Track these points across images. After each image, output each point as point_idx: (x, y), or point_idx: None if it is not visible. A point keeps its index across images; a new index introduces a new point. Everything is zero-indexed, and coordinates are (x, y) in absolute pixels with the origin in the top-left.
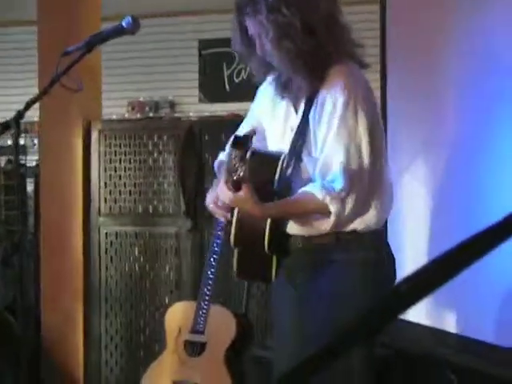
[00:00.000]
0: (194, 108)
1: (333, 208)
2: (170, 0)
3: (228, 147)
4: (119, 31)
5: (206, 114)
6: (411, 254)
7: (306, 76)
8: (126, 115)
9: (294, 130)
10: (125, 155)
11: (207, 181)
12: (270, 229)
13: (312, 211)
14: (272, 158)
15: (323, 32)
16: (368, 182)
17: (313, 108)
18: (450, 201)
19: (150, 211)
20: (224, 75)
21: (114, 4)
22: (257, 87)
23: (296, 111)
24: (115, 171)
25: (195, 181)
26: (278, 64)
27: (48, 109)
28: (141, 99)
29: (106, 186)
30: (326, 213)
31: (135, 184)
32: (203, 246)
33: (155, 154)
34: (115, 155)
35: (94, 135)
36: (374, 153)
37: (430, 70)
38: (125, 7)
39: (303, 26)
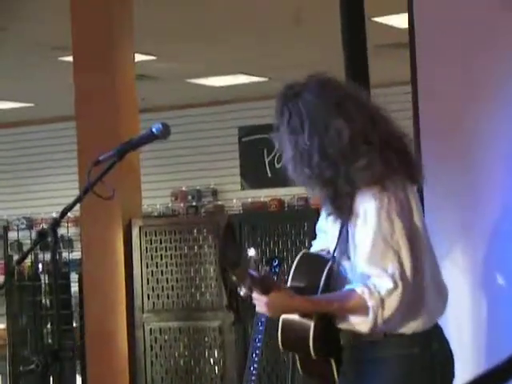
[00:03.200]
0: (237, 195)
1: (370, 303)
2: (208, 90)
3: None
4: (150, 138)
5: (249, 200)
6: (455, 347)
7: (331, 199)
8: (170, 205)
9: (336, 235)
10: (166, 250)
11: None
12: (315, 328)
13: (350, 308)
14: (321, 261)
15: (341, 163)
16: (413, 287)
17: (348, 222)
18: (493, 290)
19: (193, 305)
20: (265, 161)
21: (153, 96)
22: None
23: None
24: (157, 267)
25: (235, 287)
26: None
27: (88, 206)
28: (183, 188)
29: (148, 282)
30: (365, 310)
31: (177, 279)
32: (247, 339)
33: (195, 248)
34: (156, 251)
35: (135, 231)
36: (415, 257)
37: (470, 141)
38: (165, 98)
39: (322, 157)
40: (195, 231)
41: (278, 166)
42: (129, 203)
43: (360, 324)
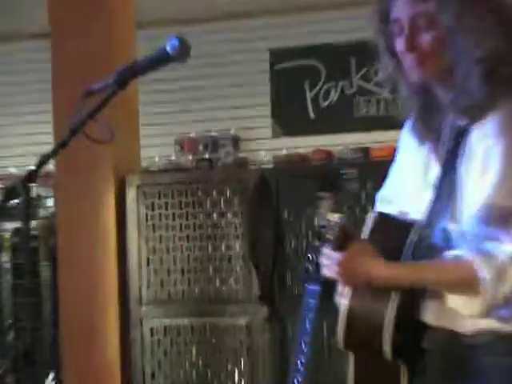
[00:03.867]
0: (267, 145)
1: (483, 273)
2: None
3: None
4: (162, 59)
5: (284, 152)
6: None
7: (482, 89)
8: (173, 158)
9: (435, 186)
10: (173, 219)
11: (288, 252)
12: (398, 315)
13: (453, 280)
14: (401, 226)
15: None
16: None
17: (460, 153)
18: None
19: (212, 296)
20: (307, 98)
21: (151, 7)
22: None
23: (438, 159)
24: (160, 242)
25: (272, 252)
26: (462, 63)
27: (67, 158)
28: (192, 135)
29: (148, 264)
30: (474, 284)
31: (189, 259)
32: (285, 341)
33: (215, 217)
34: (160, 220)
35: (131, 193)
36: None
37: None
38: (168, 11)
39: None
40: (215, 193)
41: (324, 104)
42: (123, 154)
43: (465, 305)
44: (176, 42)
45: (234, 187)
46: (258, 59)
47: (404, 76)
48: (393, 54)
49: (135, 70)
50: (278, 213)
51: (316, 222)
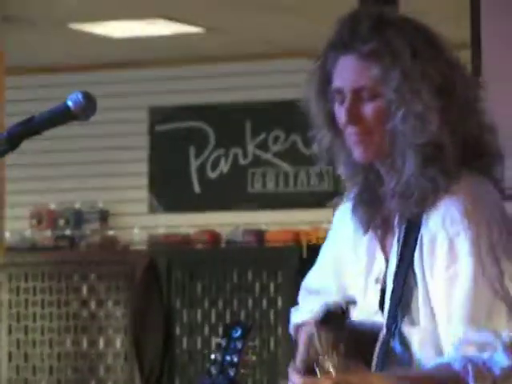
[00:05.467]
0: (141, 221)
1: None
2: (102, 43)
3: (309, 315)
4: (63, 116)
5: (161, 231)
6: None
7: (436, 177)
8: (28, 232)
9: (382, 282)
10: (42, 307)
11: (179, 350)
12: None
13: None
14: (369, 338)
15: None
16: None
17: (417, 245)
18: None
19: None
20: (191, 167)
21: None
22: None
23: (384, 252)
24: (26, 333)
25: (160, 347)
26: (404, 145)
27: None
28: (51, 207)
29: (10, 359)
30: None
31: (59, 356)
32: None
33: (92, 306)
34: (26, 308)
35: None
36: None
37: None
38: (31, 55)
39: (464, 96)
40: (93, 276)
41: (212, 175)
42: None
43: None
44: (80, 97)
45: (117, 271)
46: (135, 118)
47: (344, 150)
48: (331, 123)
49: (31, 127)
50: (168, 303)
51: None
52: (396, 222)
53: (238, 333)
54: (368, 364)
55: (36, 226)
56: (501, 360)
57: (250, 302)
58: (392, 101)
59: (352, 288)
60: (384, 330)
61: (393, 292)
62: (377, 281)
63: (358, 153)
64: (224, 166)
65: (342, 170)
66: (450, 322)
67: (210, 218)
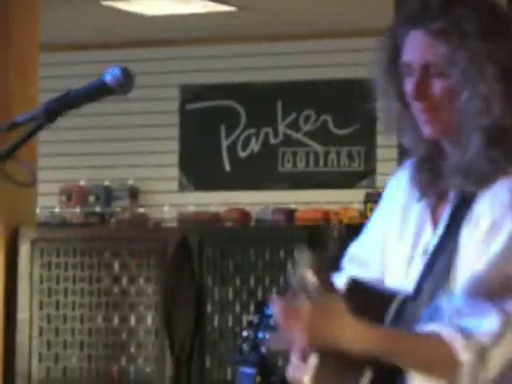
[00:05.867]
0: (171, 199)
1: (464, 355)
2: (132, 20)
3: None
4: (101, 91)
5: (191, 209)
6: None
7: (497, 159)
8: (57, 209)
9: (428, 253)
10: (74, 283)
11: (210, 328)
12: None
13: (429, 361)
14: (382, 298)
15: None
16: None
17: (465, 221)
18: None
19: (116, 377)
20: (222, 146)
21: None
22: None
23: (434, 223)
24: (57, 309)
25: (191, 327)
26: (469, 125)
27: None
28: (81, 183)
29: (41, 334)
30: (453, 367)
31: (90, 331)
32: None
33: (124, 282)
34: (57, 282)
35: (24, 249)
36: None
37: None
38: (59, 34)
39: None
40: (125, 253)
41: (243, 154)
42: (16, 201)
43: None
44: (118, 73)
45: (149, 248)
46: (165, 96)
47: (411, 122)
48: (399, 96)
49: (68, 102)
50: (200, 281)
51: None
52: (451, 197)
53: (270, 310)
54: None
55: (65, 203)
56: (490, 324)
57: (282, 280)
58: (458, 81)
59: (397, 255)
60: (407, 294)
61: (429, 262)
62: (425, 252)
63: (426, 130)
64: (255, 145)
65: (405, 140)
66: (460, 291)
67: (239, 196)
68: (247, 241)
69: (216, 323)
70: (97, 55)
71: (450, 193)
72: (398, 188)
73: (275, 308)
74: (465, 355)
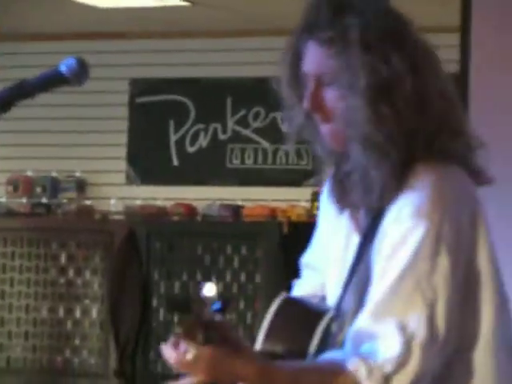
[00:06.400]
0: (118, 192)
1: None
2: (85, 11)
3: (309, 288)
4: (55, 81)
5: (138, 202)
6: None
7: (389, 171)
8: (3, 198)
9: (349, 266)
10: (20, 273)
11: (155, 322)
12: None
13: None
14: (312, 316)
15: (438, 107)
16: (442, 362)
17: (377, 232)
18: None
19: (59, 368)
20: (170, 140)
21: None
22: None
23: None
24: (2, 298)
25: (137, 320)
26: (352, 138)
27: None
28: (28, 174)
29: None
30: None
31: (35, 322)
32: None
33: (70, 273)
34: (4, 272)
35: None
36: (461, 318)
37: None
38: (11, 24)
39: (416, 89)
40: (73, 244)
41: (191, 149)
42: None
43: None
44: (74, 63)
45: (96, 240)
46: (115, 89)
47: (316, 131)
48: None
49: (23, 92)
50: (146, 274)
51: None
52: (364, 210)
53: (218, 306)
54: (308, 339)
55: (12, 193)
56: (391, 351)
57: (229, 275)
58: (340, 91)
59: (331, 266)
60: (331, 311)
61: (349, 274)
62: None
63: (328, 141)
64: (203, 141)
65: (316, 150)
66: (362, 311)
67: (187, 191)
68: (195, 235)
69: (161, 317)
70: (48, 46)
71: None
72: (328, 202)
73: (167, 355)
74: None
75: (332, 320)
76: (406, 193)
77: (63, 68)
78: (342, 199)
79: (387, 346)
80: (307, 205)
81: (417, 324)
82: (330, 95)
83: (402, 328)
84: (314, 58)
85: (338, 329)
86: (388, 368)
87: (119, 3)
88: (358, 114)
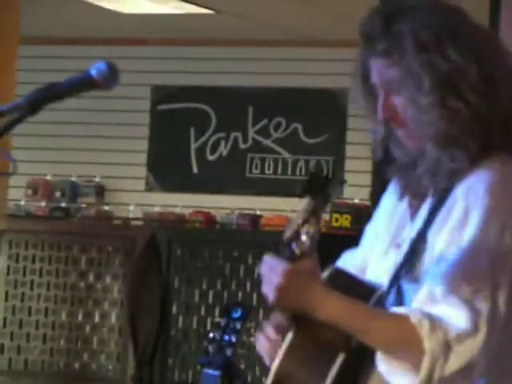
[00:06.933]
0: (137, 198)
1: (428, 344)
2: (109, 18)
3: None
4: (85, 85)
5: (157, 208)
6: None
7: (466, 159)
8: (22, 202)
9: (403, 246)
10: (40, 276)
11: (174, 329)
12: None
13: (393, 342)
14: (364, 290)
15: (507, 91)
16: (502, 336)
17: (439, 213)
18: None
19: (77, 372)
20: (190, 148)
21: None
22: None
23: (414, 219)
24: (22, 301)
25: (156, 327)
26: (429, 138)
27: None
28: (48, 178)
29: (4, 325)
30: (415, 352)
31: (54, 324)
32: None
33: (90, 278)
34: (24, 275)
35: None
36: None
37: None
38: (39, 28)
39: (481, 76)
40: (94, 249)
41: (211, 157)
42: None
43: (401, 375)
44: (103, 67)
45: (117, 245)
46: (137, 95)
47: (395, 139)
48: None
49: (53, 94)
50: (167, 280)
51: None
52: (430, 193)
53: (238, 314)
54: None
55: (31, 196)
56: (459, 321)
57: (249, 284)
58: (406, 96)
59: (375, 249)
60: (383, 286)
61: (404, 255)
62: (397, 246)
63: (407, 144)
64: (223, 149)
65: (399, 155)
66: (430, 278)
67: (205, 199)
68: (216, 243)
69: (180, 324)
70: (73, 51)
71: (428, 191)
72: (391, 193)
73: (263, 263)
74: (429, 344)
75: (381, 297)
76: (478, 172)
77: (93, 72)
78: (406, 188)
79: (456, 316)
80: (326, 216)
81: (484, 302)
82: (400, 102)
83: (472, 306)
84: (377, 69)
85: (392, 304)
86: (452, 335)
87: (143, 10)
88: (430, 113)
